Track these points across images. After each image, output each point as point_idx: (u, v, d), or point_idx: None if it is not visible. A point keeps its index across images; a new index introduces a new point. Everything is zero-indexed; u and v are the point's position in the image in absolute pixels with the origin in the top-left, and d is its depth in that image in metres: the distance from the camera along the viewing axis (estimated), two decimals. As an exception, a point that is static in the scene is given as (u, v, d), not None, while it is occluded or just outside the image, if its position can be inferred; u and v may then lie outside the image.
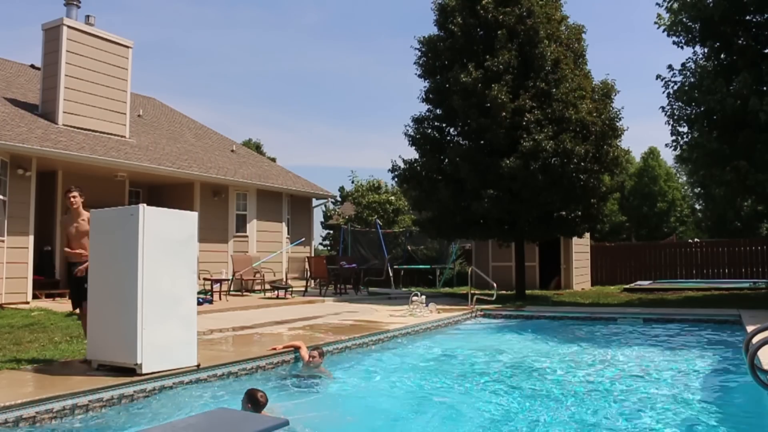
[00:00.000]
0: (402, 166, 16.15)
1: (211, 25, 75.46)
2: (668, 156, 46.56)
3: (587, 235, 21.76)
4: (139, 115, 18.07)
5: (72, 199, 6.99)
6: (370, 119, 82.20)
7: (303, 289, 17.06)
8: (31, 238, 12.09)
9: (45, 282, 12.95)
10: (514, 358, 8.60)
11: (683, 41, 14.02)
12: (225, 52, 78.64)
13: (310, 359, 7.15)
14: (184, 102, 77.50)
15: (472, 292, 13.70)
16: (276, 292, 15.56)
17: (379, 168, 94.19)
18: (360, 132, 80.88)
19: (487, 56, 14.58)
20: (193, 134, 20.06)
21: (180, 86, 75.49)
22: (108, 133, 14.78)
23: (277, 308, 12.89)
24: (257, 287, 16.36)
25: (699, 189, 33.09)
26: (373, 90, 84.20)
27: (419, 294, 12.48)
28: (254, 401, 5.03)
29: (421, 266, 22.91)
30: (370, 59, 79.09)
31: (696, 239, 31.85)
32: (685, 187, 45.22)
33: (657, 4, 14.36)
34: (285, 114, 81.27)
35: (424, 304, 12.06)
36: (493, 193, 14.11)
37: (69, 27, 14.00)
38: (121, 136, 15.16)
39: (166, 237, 6.33)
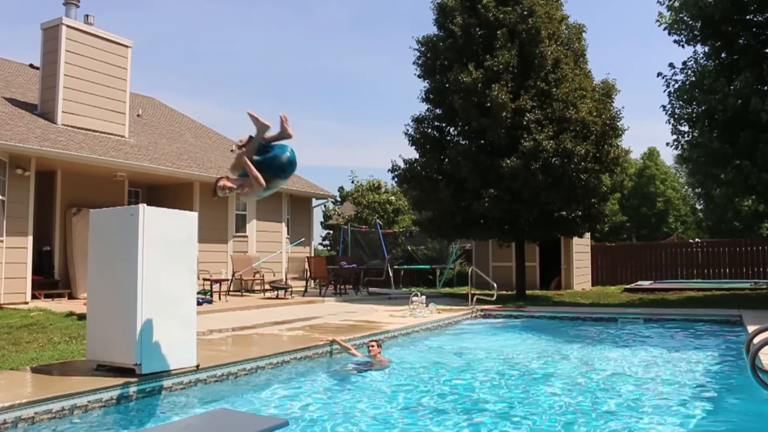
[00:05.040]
0: (402, 166, 16.14)
1: (217, 24, 75.44)
2: (667, 156, 46.66)
3: (588, 235, 21.74)
4: (138, 115, 18.04)
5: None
6: (372, 119, 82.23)
7: (303, 289, 17.03)
8: (30, 238, 12.05)
9: (44, 282, 12.91)
10: (514, 358, 8.58)
11: (684, 40, 14.02)
12: (228, 50, 78.64)
13: (370, 350, 7.73)
14: (187, 101, 77.42)
15: (473, 292, 13.68)
16: (276, 292, 15.53)
17: (380, 168, 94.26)
18: (360, 131, 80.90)
19: (487, 56, 14.57)
20: (192, 134, 20.04)
21: (183, 85, 75.50)
22: (107, 133, 14.75)
23: (276, 308, 12.86)
24: (257, 287, 16.32)
25: (699, 189, 33.09)
26: (375, 89, 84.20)
27: (419, 294, 12.45)
28: None
29: (421, 266, 22.90)
30: (370, 59, 79.05)
31: (697, 239, 31.84)
32: (685, 188, 45.26)
33: (658, 2, 14.37)
34: (285, 112, 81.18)
35: (424, 305, 12.04)
36: (493, 192, 14.10)
37: (68, 26, 13.96)
38: (121, 136, 15.13)
39: (166, 237, 6.31)
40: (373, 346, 7.74)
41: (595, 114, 14.52)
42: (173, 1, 67.92)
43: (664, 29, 14.14)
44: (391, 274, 20.61)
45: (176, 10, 70.14)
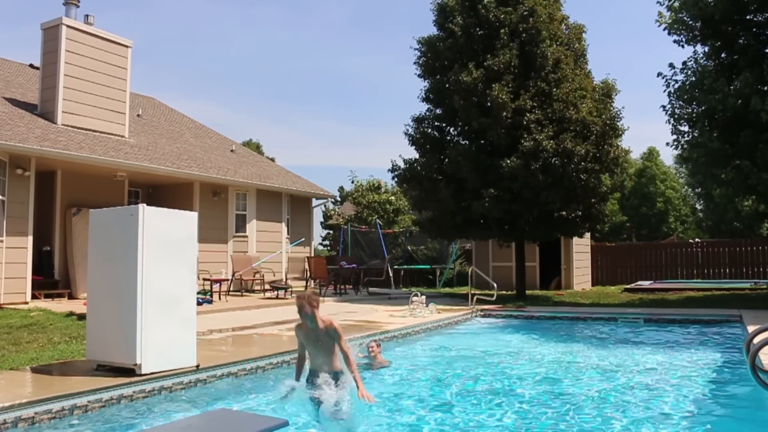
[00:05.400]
0: (402, 166, 16.14)
1: (217, 24, 75.44)
2: (667, 156, 46.64)
3: (588, 235, 21.73)
4: (138, 115, 18.04)
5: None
6: (372, 119, 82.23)
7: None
8: (30, 238, 12.05)
9: (44, 282, 12.92)
10: (514, 358, 8.58)
11: (684, 40, 14.02)
12: (227, 51, 78.64)
13: (370, 351, 7.69)
14: (187, 101, 77.45)
15: (473, 292, 13.68)
16: (276, 292, 15.53)
17: (380, 168, 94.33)
18: (360, 132, 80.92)
19: (488, 56, 14.57)
20: (192, 134, 20.04)
21: (183, 85, 75.50)
22: (107, 133, 14.75)
23: (276, 308, 12.87)
24: (257, 287, 16.32)
25: (699, 189, 33.08)
26: (375, 89, 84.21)
27: (419, 294, 12.45)
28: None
29: (421, 266, 22.89)
30: (370, 59, 79.05)
31: (697, 239, 31.84)
32: (685, 188, 45.25)
33: (658, 2, 14.37)
34: (286, 113, 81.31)
35: (424, 305, 12.04)
36: (493, 192, 14.10)
37: (68, 26, 13.95)
38: (121, 136, 15.13)
39: (165, 237, 6.31)
40: (372, 346, 7.75)
41: (595, 114, 14.52)
42: (173, 1, 67.95)
43: (664, 29, 14.14)
44: (391, 274, 20.60)
45: (176, 10, 70.16)
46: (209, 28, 75.87)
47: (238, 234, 17.07)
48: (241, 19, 74.69)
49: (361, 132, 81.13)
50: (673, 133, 14.41)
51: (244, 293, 15.58)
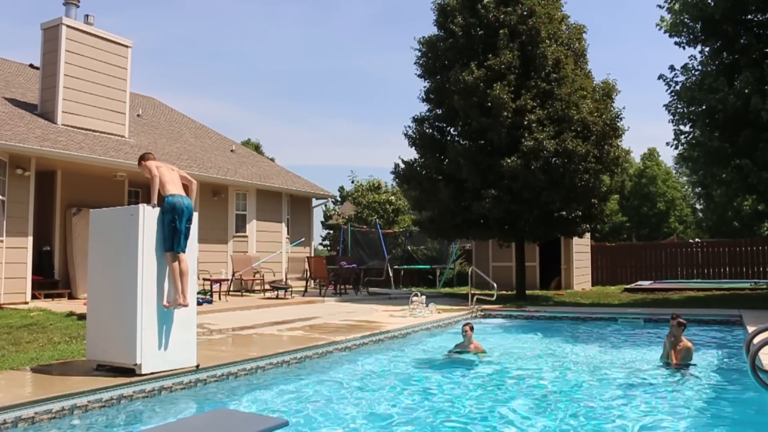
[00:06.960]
0: (402, 166, 16.14)
1: (222, 23, 75.48)
2: (667, 156, 46.60)
3: (588, 235, 21.74)
4: (138, 115, 18.03)
5: None
6: (372, 118, 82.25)
7: (303, 289, 17.03)
8: (30, 238, 12.05)
9: (44, 282, 12.91)
10: (513, 358, 8.58)
11: (685, 41, 14.04)
12: (223, 50, 78.68)
13: (464, 333, 8.25)
14: (187, 99, 77.45)
15: (473, 292, 13.68)
16: (276, 292, 15.53)
17: (380, 167, 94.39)
18: (361, 131, 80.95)
19: (489, 56, 14.58)
20: (192, 134, 20.03)
21: (184, 84, 75.53)
22: (107, 133, 14.74)
23: (276, 308, 12.86)
24: (257, 287, 16.32)
25: (699, 189, 33.08)
26: (375, 89, 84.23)
27: (419, 294, 12.45)
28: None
29: (421, 266, 22.89)
30: (370, 58, 79.08)
31: (697, 239, 31.83)
32: (685, 187, 45.21)
33: (658, 6, 14.40)
34: (285, 112, 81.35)
35: (424, 305, 12.04)
36: (493, 192, 14.09)
37: (68, 26, 13.95)
38: (121, 136, 15.13)
39: (165, 237, 6.29)
40: (466, 329, 8.29)
41: (595, 114, 14.53)
42: (172, 1, 68.00)
43: (665, 32, 14.17)
44: (391, 274, 20.59)
45: (175, 10, 70.21)
46: (208, 27, 75.94)
47: (238, 234, 17.07)
48: (240, 19, 74.77)
49: (361, 132, 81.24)
50: (675, 133, 14.46)
51: (244, 293, 15.58)
